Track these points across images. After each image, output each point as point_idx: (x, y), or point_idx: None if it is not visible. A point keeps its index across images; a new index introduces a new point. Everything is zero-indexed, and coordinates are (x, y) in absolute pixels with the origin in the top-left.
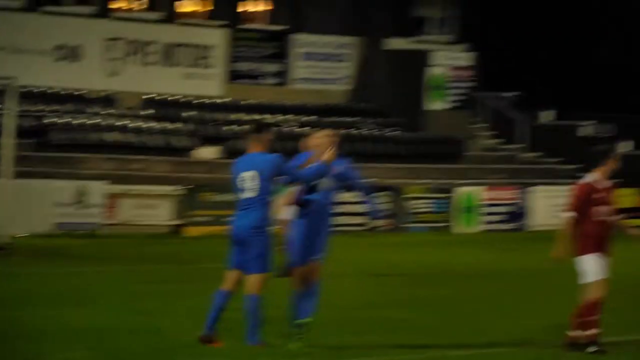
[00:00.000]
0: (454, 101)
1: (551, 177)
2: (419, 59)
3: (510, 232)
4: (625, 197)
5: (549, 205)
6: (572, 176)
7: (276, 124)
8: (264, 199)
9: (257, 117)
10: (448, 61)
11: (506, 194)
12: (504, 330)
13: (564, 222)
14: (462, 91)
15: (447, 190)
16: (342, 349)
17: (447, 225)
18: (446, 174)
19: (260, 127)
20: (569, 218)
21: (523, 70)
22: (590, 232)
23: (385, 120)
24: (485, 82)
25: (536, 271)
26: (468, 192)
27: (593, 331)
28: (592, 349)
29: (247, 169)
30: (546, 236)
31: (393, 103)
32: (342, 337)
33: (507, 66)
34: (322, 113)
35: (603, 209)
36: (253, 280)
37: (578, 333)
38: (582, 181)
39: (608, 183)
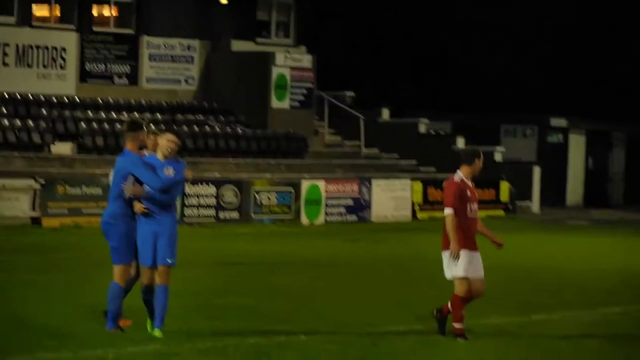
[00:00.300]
0: (296, 100)
1: (389, 171)
2: (263, 61)
3: (353, 224)
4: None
5: (388, 198)
6: (410, 170)
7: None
8: (117, 194)
9: (109, 115)
10: (290, 63)
11: (348, 187)
12: (347, 316)
13: (447, 218)
14: (304, 91)
15: (292, 184)
16: (195, 334)
17: (293, 218)
18: (291, 169)
19: (133, 125)
20: (450, 214)
21: (361, 71)
22: (462, 228)
23: (232, 118)
24: (326, 83)
25: (379, 260)
26: (312, 185)
27: (461, 325)
28: (461, 340)
29: (115, 165)
30: (386, 227)
31: (239, 102)
32: (196, 323)
33: (346, 67)
34: (172, 111)
35: (474, 206)
36: (114, 270)
37: (457, 325)
38: (452, 179)
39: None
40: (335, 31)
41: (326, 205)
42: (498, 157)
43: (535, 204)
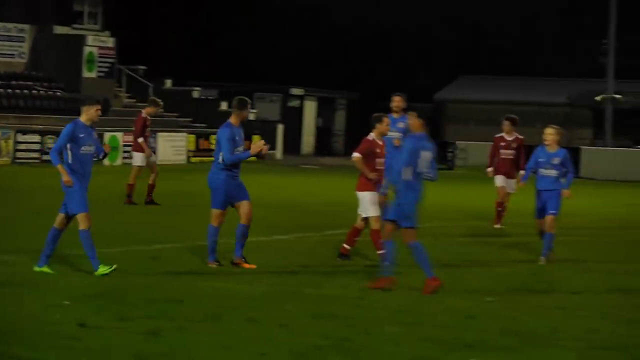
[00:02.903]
0: (102, 71)
1: (171, 126)
2: (77, 41)
3: (143, 166)
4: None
5: (169, 147)
6: (186, 126)
7: None
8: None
9: None
10: (97, 43)
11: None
12: (131, 234)
13: (355, 160)
14: (108, 65)
15: (99, 134)
16: None
17: (97, 160)
18: (98, 123)
19: (241, 102)
20: (357, 157)
21: (151, 50)
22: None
23: (53, 85)
24: (125, 59)
25: (160, 194)
26: (112, 136)
27: (348, 247)
28: (339, 259)
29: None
30: (168, 169)
31: (59, 72)
32: None
33: (141, 47)
34: (8, 79)
35: (380, 160)
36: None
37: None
38: (367, 138)
39: (382, 140)
40: (134, 19)
41: (123, 151)
42: (252, 117)
43: (279, 153)
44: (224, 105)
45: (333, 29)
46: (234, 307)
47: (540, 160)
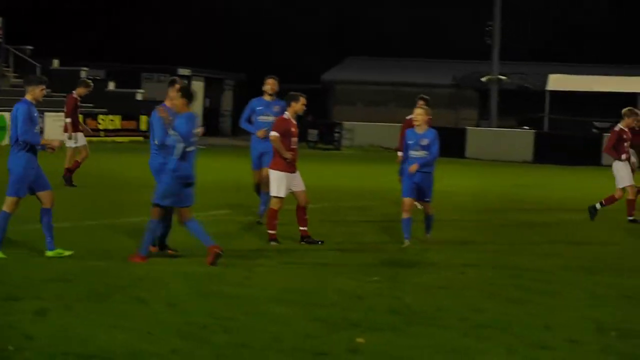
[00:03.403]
0: None
1: (59, 106)
2: None
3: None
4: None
5: (57, 127)
6: (62, 106)
7: None
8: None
9: None
10: None
11: None
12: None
13: (273, 139)
14: None
15: None
16: None
17: None
18: None
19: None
20: (274, 136)
21: (41, 31)
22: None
23: None
24: (12, 38)
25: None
26: (1, 115)
27: (272, 231)
28: (273, 243)
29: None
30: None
31: None
32: None
33: (30, 28)
34: None
35: (294, 139)
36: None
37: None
38: (283, 117)
39: (294, 121)
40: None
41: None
42: (139, 97)
43: None
44: (111, 86)
45: (224, 10)
46: (121, 287)
47: (409, 142)
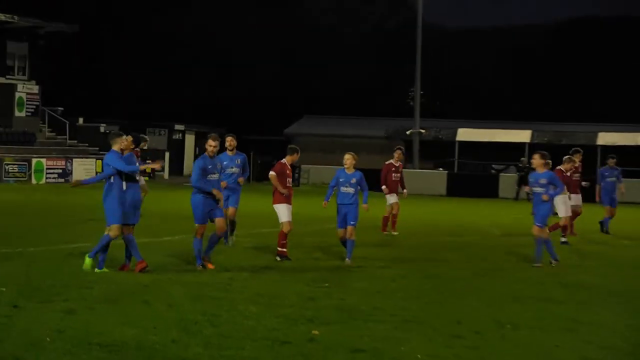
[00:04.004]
0: (29, 111)
1: (82, 154)
2: (10, 88)
3: (61, 184)
4: None
5: (82, 169)
6: (94, 153)
7: None
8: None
9: None
10: (25, 90)
11: (58, 163)
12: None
13: (271, 177)
14: (34, 106)
15: (26, 160)
16: None
17: (27, 179)
18: (26, 151)
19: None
20: (273, 175)
21: (68, 95)
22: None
23: None
24: (47, 102)
25: (74, 204)
26: (37, 161)
27: (284, 249)
28: (279, 258)
29: None
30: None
31: None
32: None
33: (59, 93)
34: None
35: (289, 179)
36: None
37: (280, 249)
38: (281, 162)
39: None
40: (53, 72)
41: (46, 173)
42: (145, 146)
43: (166, 174)
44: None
45: (208, 80)
46: (131, 292)
47: (340, 179)
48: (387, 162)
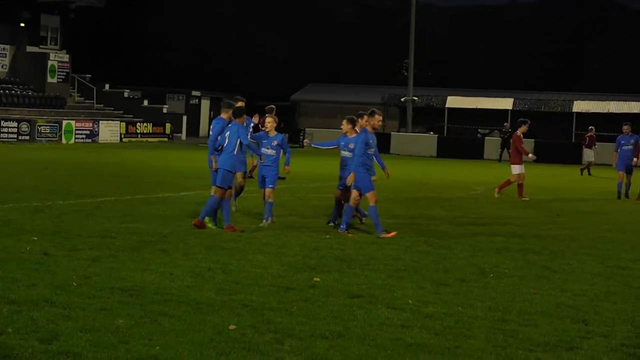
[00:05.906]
0: (61, 78)
1: (109, 117)
2: (43, 57)
3: (89, 144)
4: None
5: (107, 131)
6: (119, 116)
7: None
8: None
9: None
10: (57, 58)
11: (86, 124)
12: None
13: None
14: (64, 73)
15: (57, 122)
16: None
17: (58, 139)
18: (57, 114)
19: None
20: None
21: (94, 63)
22: None
23: (26, 87)
24: (77, 69)
25: (101, 162)
26: (68, 123)
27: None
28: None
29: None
30: (108, 146)
31: (31, 78)
32: None
33: (87, 62)
34: None
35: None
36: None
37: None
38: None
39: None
40: (82, 41)
41: (75, 133)
42: (165, 110)
43: (183, 135)
44: (145, 102)
45: (227, 50)
46: (151, 242)
47: (263, 141)
48: (517, 134)
